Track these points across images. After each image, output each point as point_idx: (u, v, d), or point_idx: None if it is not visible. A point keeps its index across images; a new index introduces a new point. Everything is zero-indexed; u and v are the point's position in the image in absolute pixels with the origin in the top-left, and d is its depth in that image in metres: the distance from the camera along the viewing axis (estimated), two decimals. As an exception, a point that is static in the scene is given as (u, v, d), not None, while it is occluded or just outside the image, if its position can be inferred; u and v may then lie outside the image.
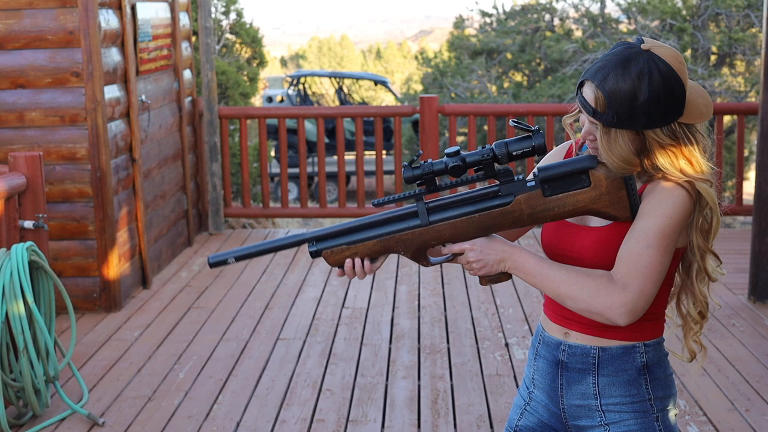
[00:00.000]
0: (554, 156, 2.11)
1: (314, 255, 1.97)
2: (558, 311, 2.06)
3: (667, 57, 1.87)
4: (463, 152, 1.91)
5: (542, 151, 1.89)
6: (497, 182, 1.93)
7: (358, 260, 1.95)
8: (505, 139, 1.91)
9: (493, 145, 1.90)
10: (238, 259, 1.95)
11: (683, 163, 1.89)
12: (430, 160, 1.91)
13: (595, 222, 1.98)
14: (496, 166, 1.92)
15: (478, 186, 1.90)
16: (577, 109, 1.98)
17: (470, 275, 2.02)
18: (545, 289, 1.93)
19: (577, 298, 1.90)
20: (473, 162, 1.90)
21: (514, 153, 1.90)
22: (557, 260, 2.02)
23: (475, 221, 1.92)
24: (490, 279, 1.96)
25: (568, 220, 2.00)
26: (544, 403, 2.11)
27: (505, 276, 1.95)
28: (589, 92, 1.89)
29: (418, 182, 1.92)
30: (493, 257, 1.94)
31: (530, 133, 1.89)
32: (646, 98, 1.84)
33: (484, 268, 1.94)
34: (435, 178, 1.91)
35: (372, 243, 1.93)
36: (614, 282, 1.88)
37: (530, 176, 1.94)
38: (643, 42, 1.89)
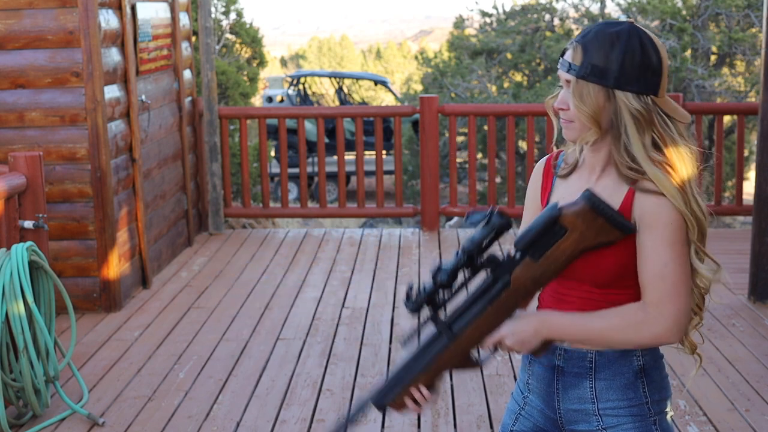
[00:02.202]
0: (534, 185, 2.12)
1: (382, 410, 2.14)
2: None
3: (651, 35, 1.92)
4: (443, 265, 1.95)
5: (506, 227, 1.91)
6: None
7: (417, 394, 2.02)
8: (471, 235, 1.94)
9: (462, 248, 1.94)
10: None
11: (648, 141, 1.88)
12: (422, 287, 1.96)
13: None
14: (479, 259, 1.95)
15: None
16: (558, 89, 1.99)
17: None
18: (590, 343, 1.96)
19: (622, 342, 1.93)
20: (455, 270, 1.94)
21: (484, 244, 1.93)
22: (559, 285, 2.01)
23: (492, 313, 1.96)
24: (538, 351, 1.99)
25: None
26: (539, 408, 2.10)
27: (548, 342, 1.98)
28: (569, 52, 1.93)
29: (422, 308, 2.00)
30: (528, 333, 1.95)
31: (488, 217, 1.92)
32: (620, 53, 1.87)
33: (525, 346, 1.96)
34: (434, 298, 1.96)
35: (421, 377, 2.02)
36: (649, 312, 1.89)
37: (514, 253, 1.96)
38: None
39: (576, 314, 1.96)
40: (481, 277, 1.97)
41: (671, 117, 1.92)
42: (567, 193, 2.01)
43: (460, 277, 1.97)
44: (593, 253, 1.92)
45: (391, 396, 2.08)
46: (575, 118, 1.93)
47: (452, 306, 2.00)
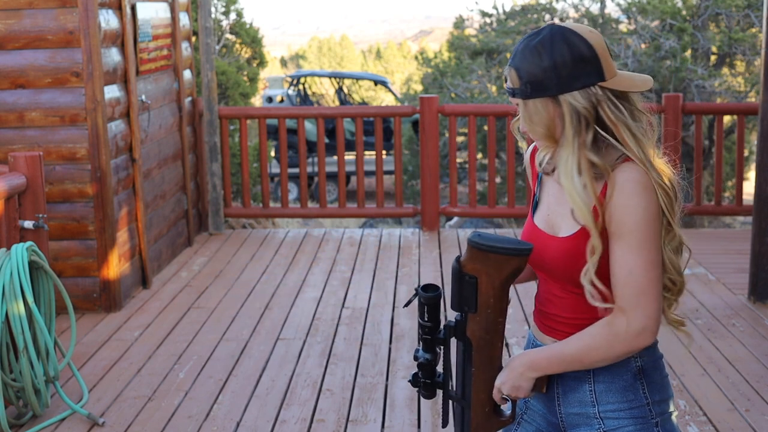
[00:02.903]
0: (528, 170, 2.14)
1: None
2: (545, 321, 2.06)
3: (574, 27, 1.91)
4: (418, 351, 2.04)
5: (437, 299, 1.97)
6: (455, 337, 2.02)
7: None
8: (418, 317, 2.01)
9: (419, 334, 2.01)
10: None
11: (588, 139, 1.87)
12: (419, 375, 2.06)
13: (564, 231, 1.96)
14: (439, 334, 2.01)
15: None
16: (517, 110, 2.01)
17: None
18: (575, 368, 1.97)
19: (602, 359, 1.93)
20: (427, 348, 2.02)
21: (427, 319, 1.98)
22: (534, 267, 2.04)
23: (478, 372, 2.01)
24: (536, 389, 2.02)
25: (541, 228, 2.01)
26: (541, 412, 2.11)
27: (541, 382, 2.01)
28: (508, 78, 1.94)
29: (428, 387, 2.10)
30: (517, 377, 1.98)
31: (415, 293, 1.98)
32: (550, 61, 1.87)
33: (521, 390, 1.99)
34: (432, 380, 2.07)
35: None
36: (614, 325, 1.89)
37: (454, 316, 2.01)
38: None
39: (552, 347, 1.98)
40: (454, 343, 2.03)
41: (627, 94, 1.91)
42: (552, 191, 2.02)
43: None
44: (569, 255, 1.93)
45: None
46: (533, 137, 1.96)
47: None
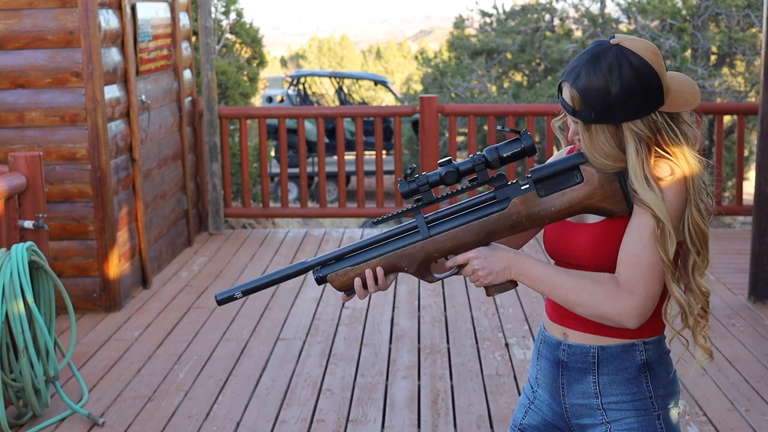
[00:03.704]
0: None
1: (320, 281, 1.98)
2: (557, 310, 2.07)
3: (639, 49, 1.89)
4: (455, 161, 1.93)
5: (532, 151, 1.90)
6: (493, 189, 1.94)
7: (369, 273, 1.95)
8: (495, 144, 1.92)
9: (484, 151, 1.92)
10: (245, 293, 1.97)
11: (650, 158, 1.89)
12: (425, 173, 1.92)
13: (593, 219, 1.98)
14: (489, 172, 1.93)
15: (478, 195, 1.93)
16: (564, 114, 2.00)
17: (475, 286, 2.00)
18: (554, 296, 1.94)
19: (586, 305, 1.92)
20: (466, 170, 1.92)
21: (505, 156, 1.91)
22: (558, 260, 2.04)
23: (475, 229, 1.92)
24: (497, 288, 1.95)
25: (568, 219, 2.01)
26: (547, 402, 2.12)
27: (511, 284, 1.95)
28: (566, 92, 1.92)
29: (415, 196, 1.94)
30: (498, 264, 1.94)
31: (519, 136, 1.91)
32: (618, 90, 1.86)
33: (489, 275, 1.94)
34: (431, 189, 1.93)
35: (375, 262, 1.94)
36: (620, 286, 1.90)
37: (524, 180, 1.94)
38: (614, 38, 1.92)
39: (550, 266, 1.96)
40: (482, 191, 1.95)
41: (677, 115, 1.92)
42: None
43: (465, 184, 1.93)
44: (597, 241, 1.93)
45: (336, 269, 1.96)
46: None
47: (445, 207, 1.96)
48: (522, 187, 1.92)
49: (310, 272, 2.02)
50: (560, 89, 1.95)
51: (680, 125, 1.92)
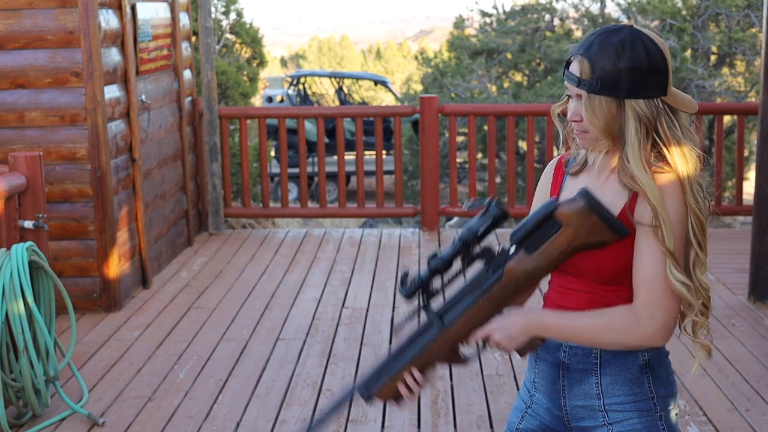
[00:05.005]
0: (545, 182, 2.15)
1: (368, 399, 2.07)
2: None
3: (651, 35, 1.93)
4: (438, 253, 1.99)
5: (503, 217, 1.94)
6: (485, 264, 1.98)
7: (408, 378, 2.01)
8: (467, 225, 1.96)
9: (459, 236, 1.96)
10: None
11: (649, 146, 1.90)
12: (416, 274, 1.98)
13: None
14: (474, 249, 1.97)
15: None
16: (565, 98, 2.02)
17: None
18: (580, 342, 1.98)
19: (612, 343, 1.95)
20: (450, 258, 1.97)
21: (481, 233, 1.95)
22: (564, 280, 2.03)
23: (484, 305, 1.96)
24: (525, 349, 1.99)
25: None
26: (545, 406, 2.11)
27: (538, 340, 1.99)
28: (575, 64, 1.94)
29: (416, 297, 2.01)
30: (516, 329, 1.97)
31: (486, 208, 1.95)
32: (628, 64, 1.88)
33: (512, 341, 1.97)
34: (430, 283, 1.98)
35: (409, 366, 2.01)
36: (639, 314, 1.91)
37: (509, 246, 1.97)
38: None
39: (567, 313, 1.98)
40: (477, 268, 1.97)
41: (677, 111, 1.94)
42: (576, 190, 2.02)
43: (457, 266, 1.97)
44: (596, 250, 1.94)
45: (378, 385, 2.04)
46: (589, 130, 1.96)
47: (448, 295, 2.01)
48: (510, 253, 1.95)
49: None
50: (567, 65, 1.96)
51: (679, 121, 1.94)
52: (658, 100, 1.91)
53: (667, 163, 1.91)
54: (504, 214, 1.93)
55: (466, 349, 2.04)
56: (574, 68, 1.94)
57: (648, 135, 1.91)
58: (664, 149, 1.91)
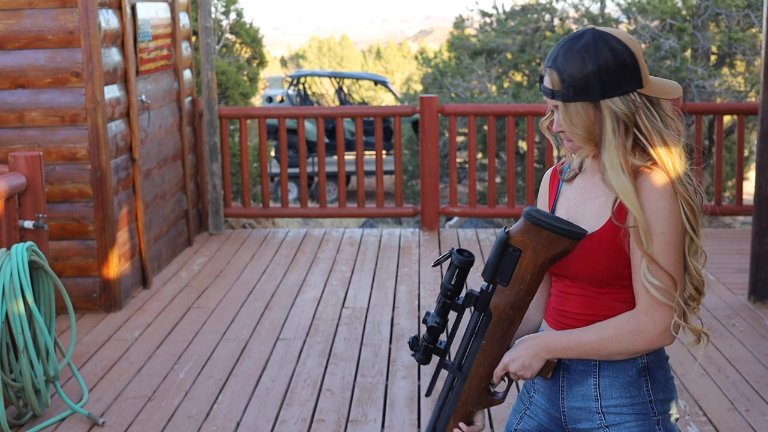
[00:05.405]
0: (543, 193, 2.17)
1: None
2: (558, 318, 2.07)
3: (615, 33, 1.94)
4: (432, 311, 2.03)
5: (469, 264, 1.96)
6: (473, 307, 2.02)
7: None
8: (442, 280, 2.01)
9: (439, 293, 2.00)
10: None
11: (629, 144, 1.91)
12: (421, 338, 2.03)
13: (588, 229, 1.99)
14: (458, 300, 2.00)
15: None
16: (550, 111, 2.03)
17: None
18: (588, 356, 1.99)
19: (620, 352, 1.96)
20: (441, 312, 2.01)
21: (452, 284, 1.98)
22: (555, 270, 2.04)
23: (488, 346, 2.00)
24: (544, 371, 2.02)
25: None
26: (544, 407, 2.12)
27: (552, 361, 2.01)
28: (546, 78, 1.96)
29: (429, 357, 2.06)
30: (528, 356, 2.00)
31: (449, 256, 1.98)
32: (595, 67, 1.90)
33: (528, 369, 2.00)
34: (433, 345, 2.03)
35: (453, 423, 2.06)
36: (640, 319, 1.93)
37: (485, 285, 2.01)
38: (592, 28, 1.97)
39: (572, 331, 2.00)
40: (468, 314, 2.03)
41: (658, 101, 1.94)
42: (572, 195, 2.05)
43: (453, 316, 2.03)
44: (587, 254, 1.95)
45: None
46: (572, 138, 1.98)
47: (457, 345, 2.06)
48: (489, 291, 1.98)
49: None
50: (541, 79, 1.98)
51: (660, 110, 1.94)
52: (635, 93, 1.92)
53: (653, 160, 1.92)
54: (467, 261, 1.96)
55: (498, 388, 2.06)
56: (546, 81, 1.96)
57: (628, 132, 1.92)
58: (647, 144, 1.92)
